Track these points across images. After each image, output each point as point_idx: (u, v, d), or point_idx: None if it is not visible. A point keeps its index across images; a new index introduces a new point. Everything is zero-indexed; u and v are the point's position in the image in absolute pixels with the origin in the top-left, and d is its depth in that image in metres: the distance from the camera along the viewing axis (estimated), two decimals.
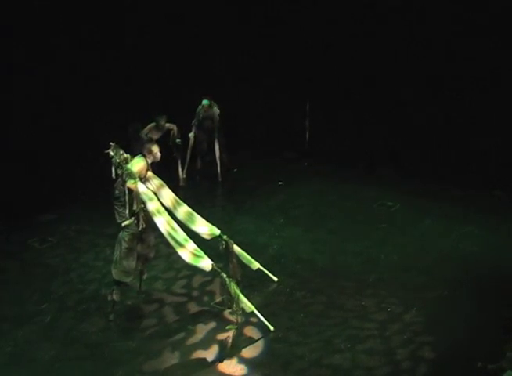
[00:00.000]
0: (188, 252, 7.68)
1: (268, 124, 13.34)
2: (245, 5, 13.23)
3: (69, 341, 7.75)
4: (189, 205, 8.28)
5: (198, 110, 11.80)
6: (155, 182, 8.03)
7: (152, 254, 8.29)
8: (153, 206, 7.72)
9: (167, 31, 12.95)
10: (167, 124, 11.31)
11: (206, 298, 8.51)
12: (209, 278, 8.86)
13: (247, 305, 7.78)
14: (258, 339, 7.68)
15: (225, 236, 8.20)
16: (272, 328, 7.68)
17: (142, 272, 8.36)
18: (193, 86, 12.57)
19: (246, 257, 8.49)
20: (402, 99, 12.12)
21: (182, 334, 7.84)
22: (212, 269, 7.72)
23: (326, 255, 9.43)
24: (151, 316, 8.23)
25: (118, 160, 7.79)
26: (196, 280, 8.86)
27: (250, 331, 7.83)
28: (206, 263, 7.69)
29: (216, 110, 11.75)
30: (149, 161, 7.97)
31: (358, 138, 12.63)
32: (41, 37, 11.87)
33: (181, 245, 7.68)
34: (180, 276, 8.81)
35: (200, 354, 7.47)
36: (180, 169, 11.70)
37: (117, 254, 7.99)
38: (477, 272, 8.81)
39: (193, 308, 8.37)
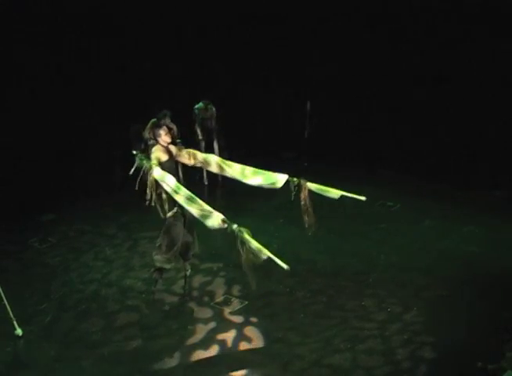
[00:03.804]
0: (213, 217, 7.48)
1: (267, 123, 13.34)
2: (245, 3, 13.23)
3: (69, 341, 7.75)
4: None
5: (196, 112, 11.80)
6: (191, 153, 8.16)
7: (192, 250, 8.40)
8: (170, 185, 7.62)
9: (167, 30, 12.96)
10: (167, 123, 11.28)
11: (206, 298, 8.51)
12: (209, 278, 8.89)
13: (263, 251, 7.19)
14: (258, 339, 7.69)
15: (294, 178, 8.06)
16: (286, 266, 6.92)
17: (160, 272, 8.41)
18: (194, 86, 12.57)
19: (324, 189, 8.18)
20: (402, 98, 12.11)
21: (182, 334, 7.84)
22: (224, 221, 7.43)
23: (326, 255, 9.43)
24: (151, 315, 8.23)
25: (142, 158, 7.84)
26: (196, 280, 8.86)
27: (250, 331, 7.84)
28: (219, 218, 7.46)
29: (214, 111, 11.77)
30: (165, 144, 8.06)
31: (359, 138, 12.62)
32: (42, 36, 11.88)
33: (206, 212, 7.47)
34: (180, 276, 8.80)
35: (200, 354, 7.47)
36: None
37: (159, 241, 8.15)
38: (477, 272, 8.80)
39: (193, 308, 8.37)
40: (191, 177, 11.86)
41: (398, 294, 8.38)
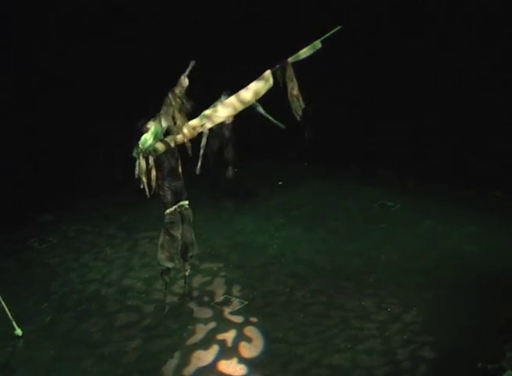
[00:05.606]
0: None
1: (267, 123, 13.31)
2: (245, 3, 13.23)
3: (69, 341, 7.75)
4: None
5: None
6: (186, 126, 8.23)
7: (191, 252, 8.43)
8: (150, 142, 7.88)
9: (166, 30, 12.95)
10: None
11: (206, 298, 8.51)
12: (209, 278, 8.89)
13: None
14: (258, 339, 7.69)
15: (277, 65, 8.24)
16: None
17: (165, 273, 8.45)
18: (193, 85, 12.54)
19: (304, 50, 8.19)
20: (402, 98, 12.10)
21: (181, 334, 7.84)
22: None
23: (326, 255, 9.43)
24: (151, 316, 8.23)
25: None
26: (196, 280, 8.86)
27: (250, 331, 7.84)
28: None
29: None
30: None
31: (359, 138, 12.61)
32: (41, 35, 11.87)
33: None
34: (180, 276, 8.80)
35: (200, 354, 7.46)
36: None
37: (161, 240, 8.18)
38: (477, 272, 8.80)
39: (193, 308, 8.38)
40: (190, 177, 11.92)
41: (398, 294, 8.38)
